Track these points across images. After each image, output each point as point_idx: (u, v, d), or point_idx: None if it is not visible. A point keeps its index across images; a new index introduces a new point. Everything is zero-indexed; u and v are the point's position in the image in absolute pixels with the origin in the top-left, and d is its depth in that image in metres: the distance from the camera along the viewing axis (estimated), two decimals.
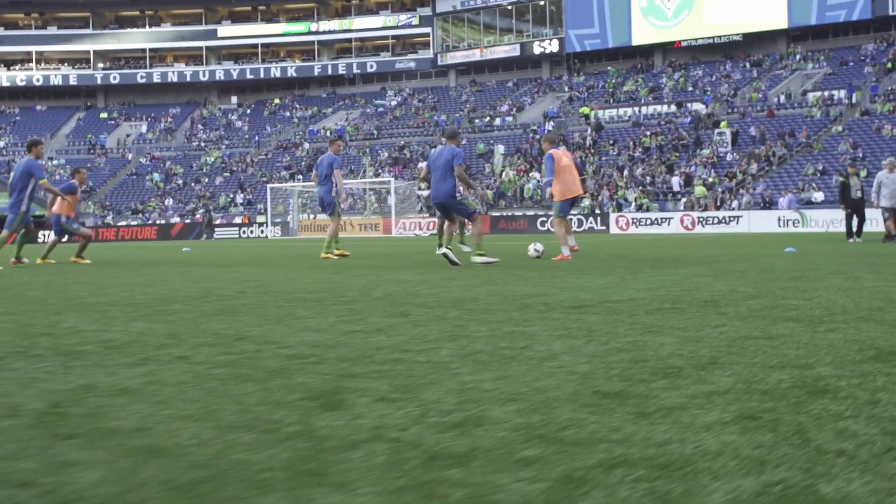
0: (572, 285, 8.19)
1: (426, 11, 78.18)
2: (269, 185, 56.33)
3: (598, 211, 46.03)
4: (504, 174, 54.29)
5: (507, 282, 8.90)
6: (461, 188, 12.97)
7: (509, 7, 74.83)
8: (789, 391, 3.15)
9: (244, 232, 53.92)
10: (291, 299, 7.34)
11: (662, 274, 9.70)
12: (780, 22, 63.93)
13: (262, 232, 53.08)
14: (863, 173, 34.52)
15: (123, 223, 58.18)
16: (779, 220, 39.15)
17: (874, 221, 25.77)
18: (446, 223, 14.22)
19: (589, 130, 58.24)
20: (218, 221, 56.03)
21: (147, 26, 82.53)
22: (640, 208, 44.61)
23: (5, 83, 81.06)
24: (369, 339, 4.71)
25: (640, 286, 7.95)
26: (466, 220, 14.33)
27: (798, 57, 62.46)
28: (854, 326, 4.90)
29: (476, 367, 3.79)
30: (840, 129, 50.02)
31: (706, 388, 3.21)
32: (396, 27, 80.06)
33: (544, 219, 42.78)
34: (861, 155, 44.41)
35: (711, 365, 3.71)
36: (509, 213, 48.77)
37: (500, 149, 59.00)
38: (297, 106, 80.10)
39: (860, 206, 21.62)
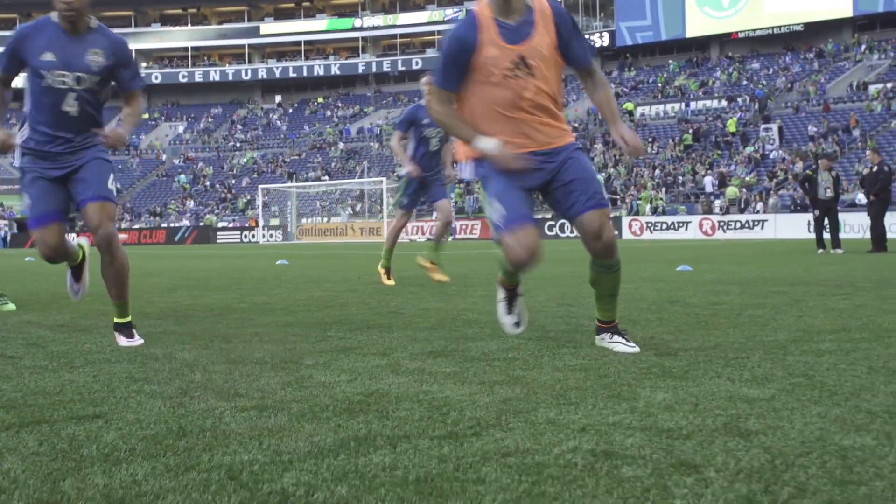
0: None
1: (473, 5, 74.38)
2: (259, 186, 53.11)
3: (614, 214, 41.96)
4: None
5: None
6: None
7: None
8: None
9: (246, 236, 48.92)
10: None
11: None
12: (844, 10, 59.00)
13: (252, 237, 48.11)
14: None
15: (137, 226, 56.01)
16: (809, 224, 34.39)
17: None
18: None
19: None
20: (221, 224, 53.20)
21: (189, 24, 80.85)
22: (654, 211, 40.02)
23: None
24: None
25: None
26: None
27: (864, 47, 57.31)
28: None
29: None
30: None
31: None
32: (443, 22, 76.79)
33: (552, 222, 38.90)
34: None
35: None
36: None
37: None
38: (340, 105, 77.46)
39: (832, 209, 17.58)
